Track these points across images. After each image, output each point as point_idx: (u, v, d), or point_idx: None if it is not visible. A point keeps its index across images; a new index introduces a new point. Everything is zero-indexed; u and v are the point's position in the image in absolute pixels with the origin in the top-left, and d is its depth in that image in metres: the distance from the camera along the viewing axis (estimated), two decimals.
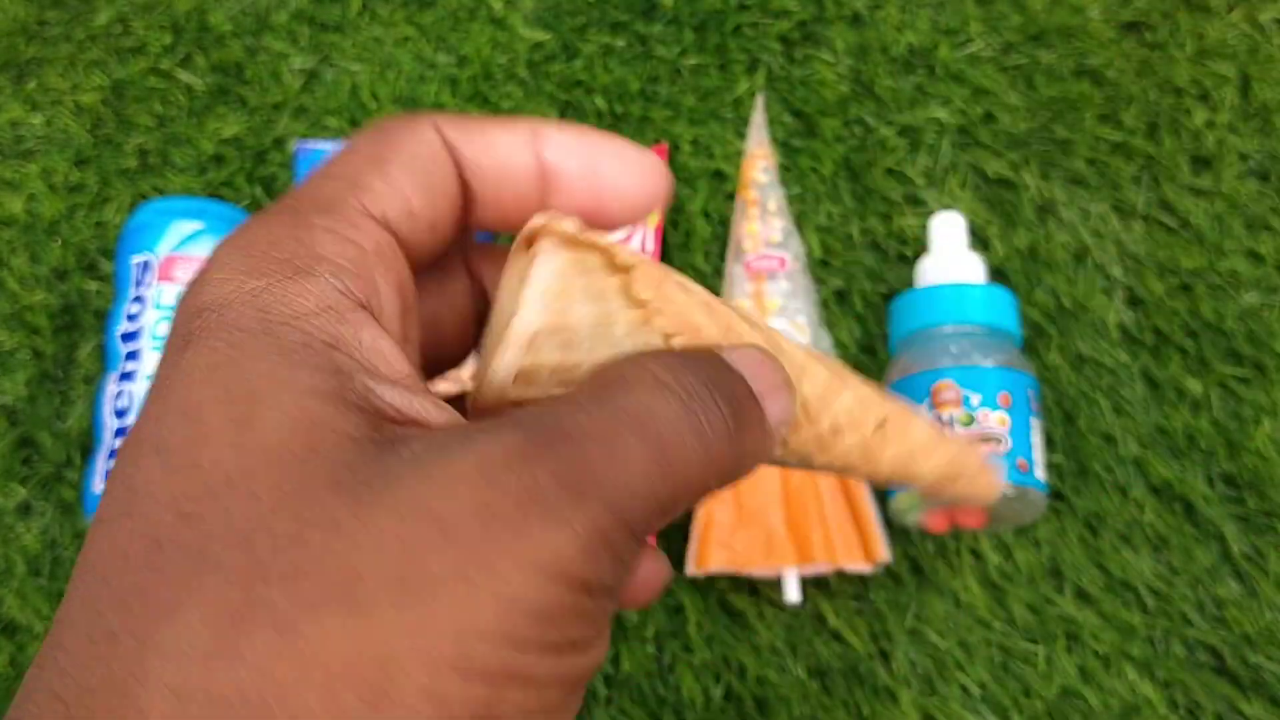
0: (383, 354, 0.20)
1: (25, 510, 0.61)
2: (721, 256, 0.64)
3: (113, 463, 0.20)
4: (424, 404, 0.20)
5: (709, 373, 0.21)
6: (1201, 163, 0.64)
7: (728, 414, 0.21)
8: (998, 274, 0.62)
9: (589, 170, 0.25)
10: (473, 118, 0.25)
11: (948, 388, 0.53)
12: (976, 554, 0.57)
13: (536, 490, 0.18)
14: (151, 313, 0.58)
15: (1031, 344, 0.61)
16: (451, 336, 0.28)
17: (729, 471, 0.21)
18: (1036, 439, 0.54)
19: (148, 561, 0.17)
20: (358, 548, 0.17)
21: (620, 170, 0.25)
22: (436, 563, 0.17)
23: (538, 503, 0.18)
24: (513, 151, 0.25)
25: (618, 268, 0.23)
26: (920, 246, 0.63)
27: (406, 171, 0.23)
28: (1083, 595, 0.56)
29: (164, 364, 0.20)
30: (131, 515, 0.18)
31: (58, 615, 0.18)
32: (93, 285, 0.65)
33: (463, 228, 0.25)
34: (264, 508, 0.17)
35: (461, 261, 0.28)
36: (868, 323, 0.62)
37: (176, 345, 0.20)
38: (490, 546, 0.17)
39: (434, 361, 0.27)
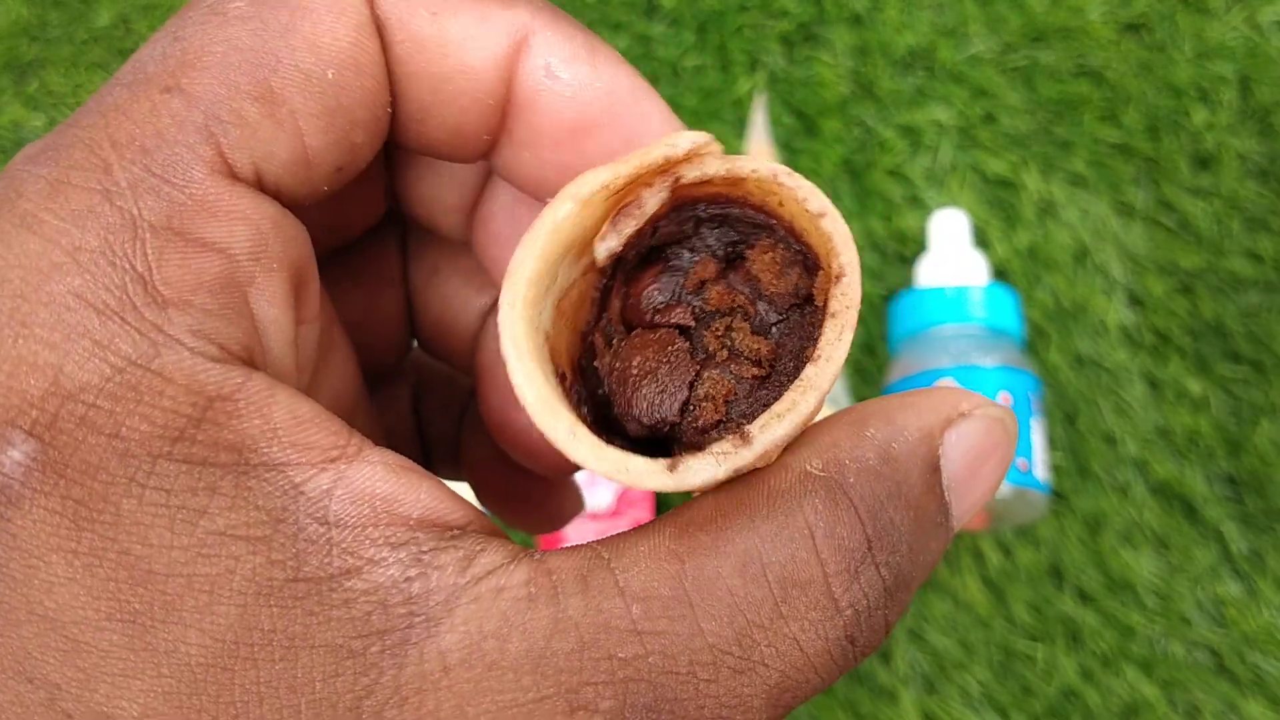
0: (307, 428, 0.14)
1: None
2: None
3: None
4: (385, 485, 0.14)
5: (908, 553, 0.15)
6: (1201, 163, 0.65)
7: (897, 615, 0.15)
8: (998, 274, 0.63)
9: (583, 126, 0.16)
10: None
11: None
12: (977, 554, 0.57)
13: None
14: None
15: (1031, 344, 0.61)
16: (377, 328, 0.21)
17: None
18: (1038, 439, 0.54)
19: None
20: None
21: (634, 129, 0.17)
22: None
23: None
24: (472, 60, 0.16)
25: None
26: (920, 246, 0.63)
27: (306, 87, 0.15)
28: (1083, 595, 0.57)
29: None
30: None
31: None
32: None
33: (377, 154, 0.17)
34: None
35: (393, 236, 0.21)
36: (868, 323, 0.62)
37: None
38: None
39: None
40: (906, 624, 0.56)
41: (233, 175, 0.14)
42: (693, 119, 0.67)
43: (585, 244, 0.16)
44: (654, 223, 0.17)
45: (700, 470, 0.15)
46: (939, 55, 0.67)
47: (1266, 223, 0.63)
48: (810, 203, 0.16)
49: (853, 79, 0.68)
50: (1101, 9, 0.68)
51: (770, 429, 0.15)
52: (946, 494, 0.15)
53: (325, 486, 0.13)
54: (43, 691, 0.12)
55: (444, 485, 0.15)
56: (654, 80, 0.69)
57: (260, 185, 0.15)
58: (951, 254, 0.58)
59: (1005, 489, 0.52)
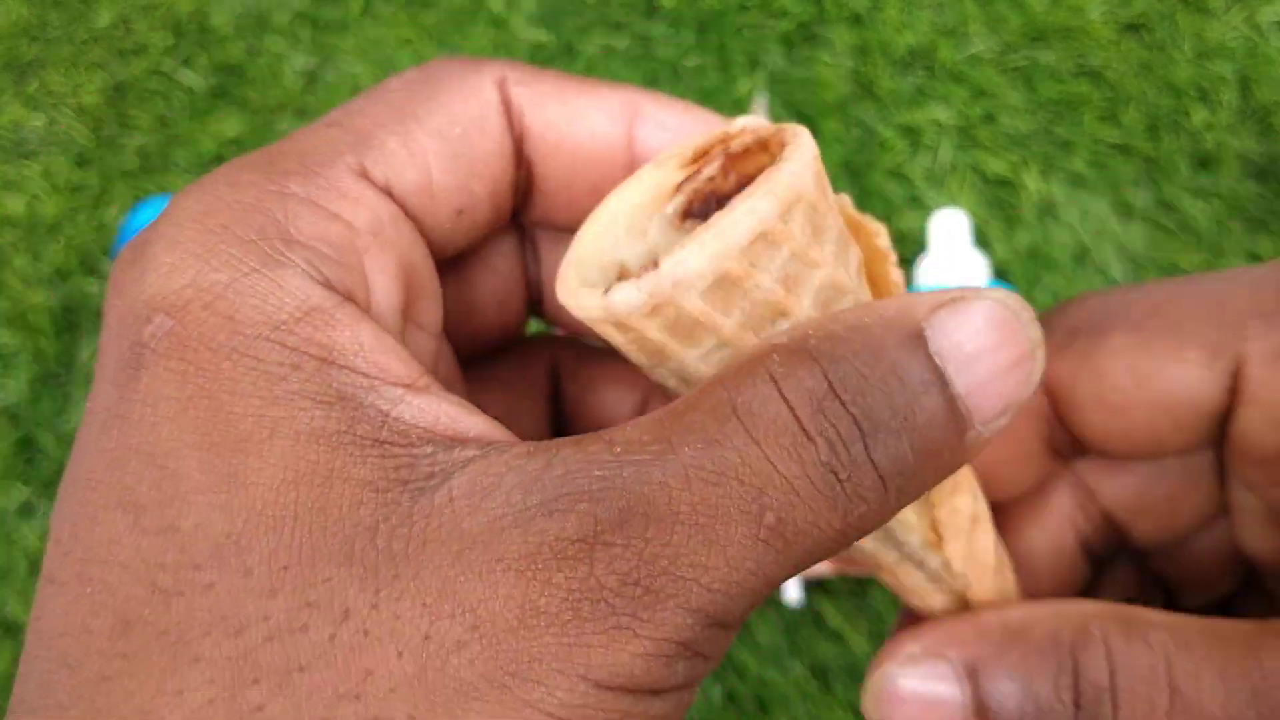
0: (389, 355, 0.16)
1: (27, 510, 0.61)
2: None
3: (56, 505, 0.16)
4: (453, 412, 0.16)
5: (880, 398, 0.15)
6: (1201, 163, 0.65)
7: (890, 465, 0.15)
8: (998, 274, 0.63)
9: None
10: (550, 76, 0.20)
11: None
12: None
13: (596, 591, 0.14)
14: None
15: None
16: (488, 320, 0.23)
17: (876, 527, 0.16)
18: None
19: (115, 646, 0.15)
20: (372, 643, 0.14)
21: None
22: (467, 667, 0.14)
23: (595, 605, 0.14)
24: (600, 129, 0.19)
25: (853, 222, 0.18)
26: (920, 246, 0.63)
27: (437, 135, 0.19)
28: None
29: (111, 388, 0.16)
30: (93, 581, 0.15)
31: (15, 694, 0.15)
32: (94, 285, 0.65)
33: (510, 216, 0.20)
34: (258, 586, 0.14)
35: (513, 228, 0.23)
36: None
37: (125, 364, 0.16)
38: (533, 651, 0.14)
39: (462, 349, 0.23)
40: None
41: (368, 179, 0.18)
42: None
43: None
44: (719, 196, 0.18)
45: (623, 293, 0.16)
46: (939, 55, 0.67)
47: (1266, 223, 0.63)
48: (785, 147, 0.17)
49: (853, 79, 0.68)
50: (1101, 9, 0.68)
51: (677, 259, 0.15)
52: (937, 360, 0.15)
53: (397, 395, 0.16)
54: (131, 515, 0.15)
55: (501, 427, 0.17)
56: (654, 80, 0.69)
57: (391, 196, 0.18)
58: (951, 254, 0.58)
59: None
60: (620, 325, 0.16)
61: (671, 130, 0.19)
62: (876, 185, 0.65)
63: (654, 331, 0.16)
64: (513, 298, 0.23)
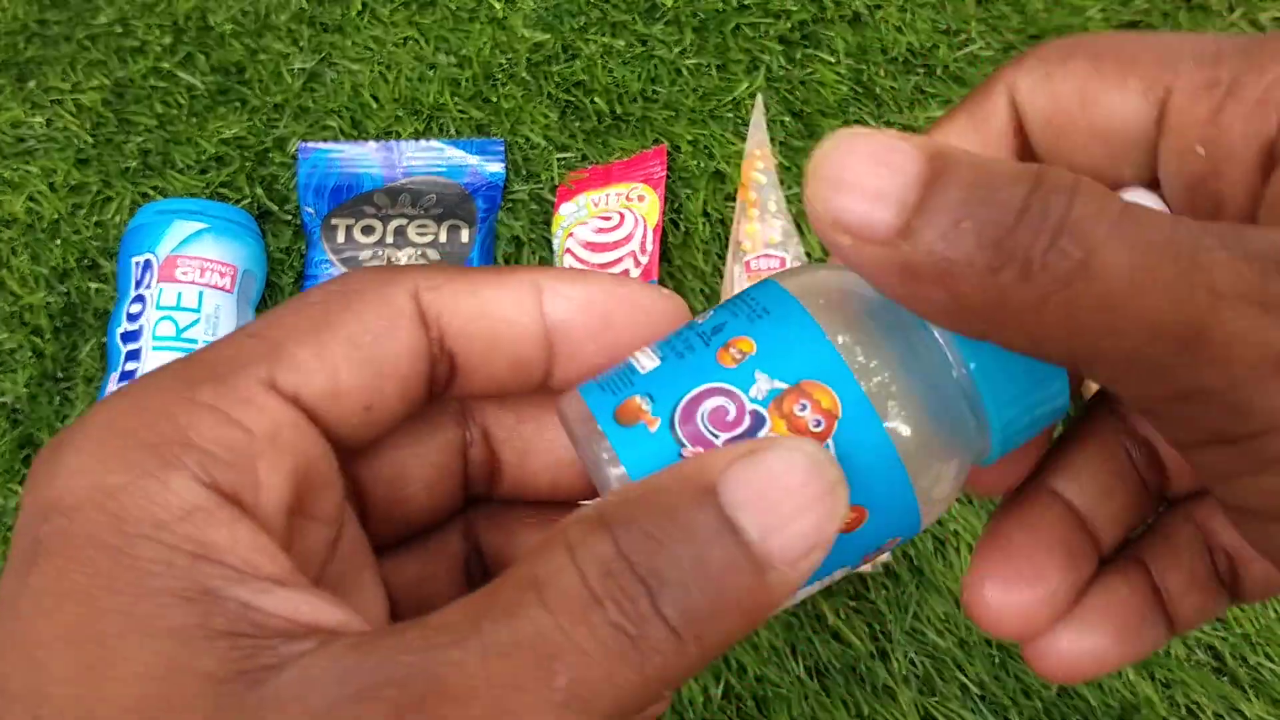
0: (261, 553, 0.17)
1: None
2: (721, 256, 0.64)
3: None
4: (314, 603, 0.17)
5: (668, 554, 0.16)
6: None
7: (680, 616, 0.16)
8: None
9: (602, 325, 0.22)
10: (463, 275, 0.22)
11: None
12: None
13: None
14: (152, 313, 0.59)
15: None
16: (421, 496, 0.24)
17: (688, 673, 0.16)
18: None
19: None
20: None
21: (635, 319, 0.22)
22: None
23: None
24: (509, 312, 0.22)
25: None
26: None
27: (347, 342, 0.20)
28: None
29: (11, 579, 0.17)
30: None
31: None
32: (93, 285, 0.65)
33: (432, 400, 0.22)
34: None
35: (455, 410, 0.25)
36: None
37: (23, 557, 0.17)
38: None
39: (394, 523, 0.24)
40: (905, 623, 0.56)
41: (275, 389, 0.19)
42: (692, 119, 0.67)
43: None
44: None
45: None
46: (939, 55, 0.67)
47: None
48: None
49: (852, 79, 0.68)
50: (1102, 8, 0.68)
51: None
52: (730, 511, 0.16)
53: (260, 588, 0.17)
54: (3, 703, 0.16)
55: (358, 619, 0.18)
56: (654, 80, 0.69)
57: (298, 403, 0.20)
58: None
59: None
60: None
61: (573, 299, 0.22)
62: None
63: None
64: (444, 478, 0.24)
